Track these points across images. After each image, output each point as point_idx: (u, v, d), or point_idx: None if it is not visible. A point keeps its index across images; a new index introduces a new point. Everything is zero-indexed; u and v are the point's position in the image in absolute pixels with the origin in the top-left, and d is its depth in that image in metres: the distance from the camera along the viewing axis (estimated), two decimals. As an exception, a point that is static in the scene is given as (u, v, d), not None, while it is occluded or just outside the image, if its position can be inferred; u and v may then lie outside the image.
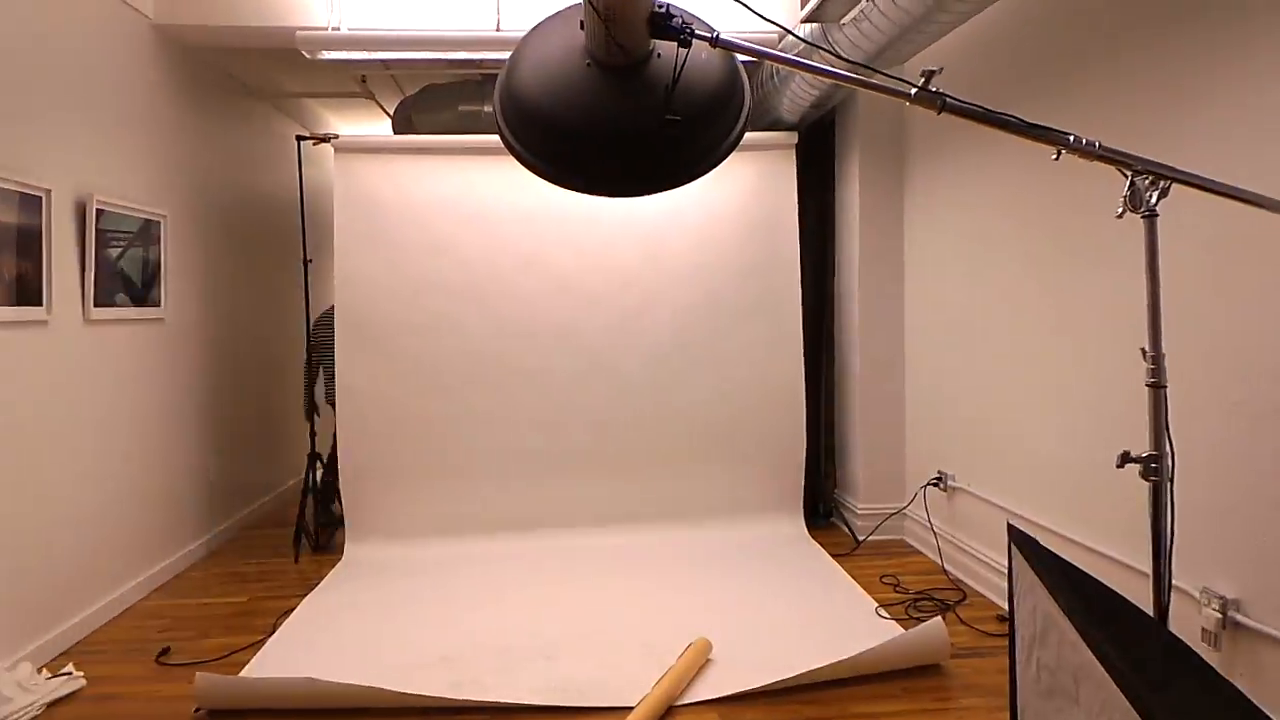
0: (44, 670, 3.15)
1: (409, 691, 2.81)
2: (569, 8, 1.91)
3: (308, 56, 4.27)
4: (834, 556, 4.43)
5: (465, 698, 2.85)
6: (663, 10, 1.69)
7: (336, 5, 4.27)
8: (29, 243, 3.29)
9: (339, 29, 4.21)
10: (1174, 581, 2.61)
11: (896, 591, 3.91)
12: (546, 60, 1.87)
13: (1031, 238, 3.45)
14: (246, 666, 3.21)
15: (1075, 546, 3.18)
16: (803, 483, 4.86)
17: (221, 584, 4.24)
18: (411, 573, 4.14)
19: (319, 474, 4.73)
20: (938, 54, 3.97)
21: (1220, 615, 2.47)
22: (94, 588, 3.69)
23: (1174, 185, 1.78)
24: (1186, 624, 2.58)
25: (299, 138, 4.78)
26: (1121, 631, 1.27)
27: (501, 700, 2.83)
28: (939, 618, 3.17)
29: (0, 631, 3.11)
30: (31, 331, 3.32)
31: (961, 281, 4.06)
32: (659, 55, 1.79)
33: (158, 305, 4.26)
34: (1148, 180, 1.78)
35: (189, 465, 4.57)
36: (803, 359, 4.86)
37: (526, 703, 2.81)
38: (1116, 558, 2.95)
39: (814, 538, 4.74)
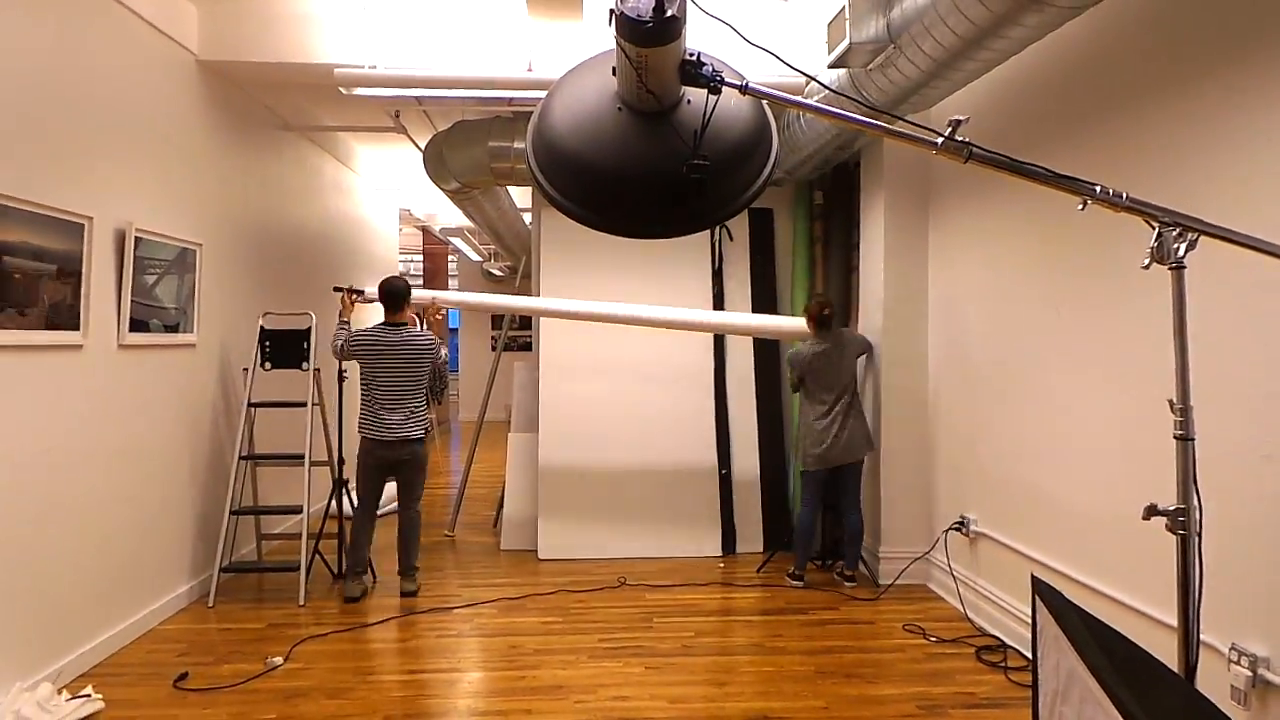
0: (64, 692, 3.17)
1: None
2: (601, 54, 1.95)
3: (344, 93, 4.38)
4: (853, 600, 4.39)
5: None
6: (694, 58, 1.73)
7: (373, 44, 4.38)
8: (68, 269, 3.38)
9: (375, 68, 4.32)
10: (1202, 637, 2.55)
11: (926, 639, 3.85)
12: (579, 104, 1.91)
13: (1059, 283, 3.44)
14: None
15: (1101, 597, 3.12)
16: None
17: (240, 610, 4.25)
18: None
19: (341, 506, 4.78)
20: (966, 98, 4.00)
21: (1250, 673, 2.41)
22: (115, 611, 3.72)
23: (1202, 237, 1.78)
24: (1215, 681, 2.52)
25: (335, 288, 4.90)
26: (1147, 690, 1.25)
27: None
28: None
29: (22, 652, 3.14)
30: (67, 356, 3.39)
31: (987, 325, 4.04)
32: (689, 101, 1.83)
33: (190, 331, 4.34)
34: (1175, 232, 1.78)
35: (213, 490, 4.62)
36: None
37: None
38: (1144, 610, 2.90)
39: (832, 582, 4.71)
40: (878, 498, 4.76)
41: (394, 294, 4.52)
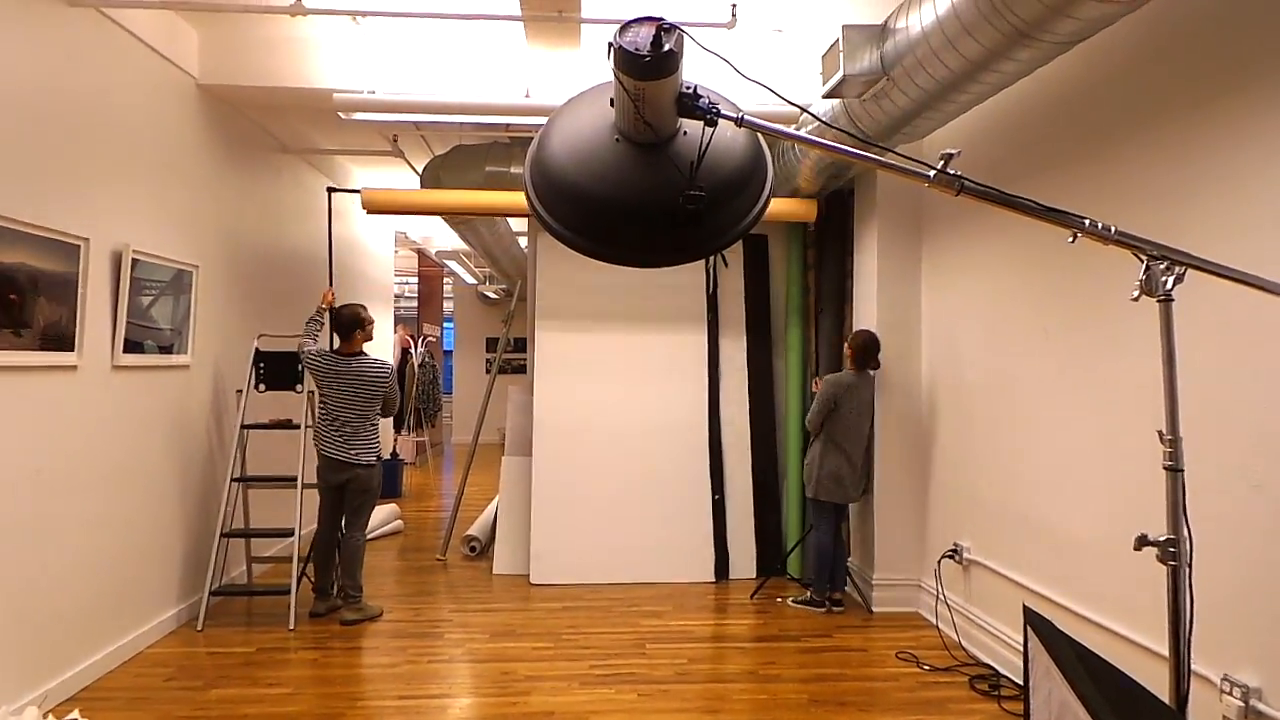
0: (50, 716, 3.13)
1: None
2: (599, 85, 1.98)
3: (343, 117, 4.42)
4: (847, 628, 4.37)
5: None
6: (690, 91, 1.76)
7: (372, 69, 4.43)
8: (64, 290, 3.38)
9: (374, 93, 4.36)
10: (1194, 668, 2.56)
11: (920, 668, 3.84)
12: (576, 134, 1.93)
13: (1050, 312, 3.47)
14: None
15: (1094, 627, 3.12)
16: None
17: (229, 633, 4.22)
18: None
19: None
20: (959, 128, 4.05)
21: (1242, 704, 2.41)
22: (103, 634, 3.69)
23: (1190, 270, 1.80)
24: (1207, 712, 2.52)
25: (329, 189, 4.98)
26: (1139, 721, 1.25)
27: None
28: None
29: (7, 675, 3.11)
30: (61, 376, 3.39)
31: (980, 352, 4.07)
32: (685, 133, 1.85)
33: (184, 353, 4.34)
34: (1163, 265, 1.80)
35: (204, 513, 4.60)
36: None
37: None
38: (1137, 640, 2.90)
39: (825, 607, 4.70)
40: (872, 525, 4.76)
41: (339, 325, 4.56)
